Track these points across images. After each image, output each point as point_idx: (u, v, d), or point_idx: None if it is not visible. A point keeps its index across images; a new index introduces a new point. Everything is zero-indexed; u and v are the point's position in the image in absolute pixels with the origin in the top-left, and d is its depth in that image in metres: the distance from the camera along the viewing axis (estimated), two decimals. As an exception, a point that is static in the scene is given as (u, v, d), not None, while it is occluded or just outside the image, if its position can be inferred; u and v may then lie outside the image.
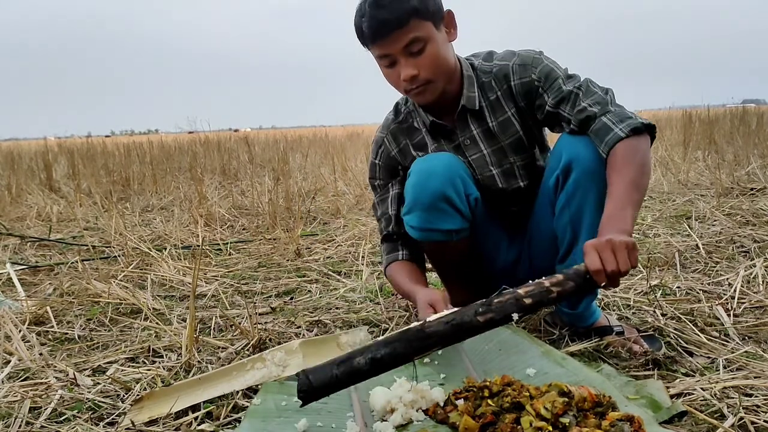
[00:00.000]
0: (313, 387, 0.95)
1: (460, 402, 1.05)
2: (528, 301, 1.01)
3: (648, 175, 1.26)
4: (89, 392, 1.34)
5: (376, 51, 1.38)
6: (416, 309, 1.41)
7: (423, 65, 1.36)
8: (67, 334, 1.78)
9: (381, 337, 1.04)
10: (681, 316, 1.60)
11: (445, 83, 1.42)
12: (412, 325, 1.02)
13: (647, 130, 1.30)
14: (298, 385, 0.96)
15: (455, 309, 1.05)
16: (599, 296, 1.82)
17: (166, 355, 1.57)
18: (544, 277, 1.05)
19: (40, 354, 1.59)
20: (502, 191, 1.54)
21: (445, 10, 1.39)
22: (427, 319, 1.01)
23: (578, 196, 1.34)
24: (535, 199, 1.53)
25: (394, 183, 1.60)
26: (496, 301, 1.01)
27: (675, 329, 1.51)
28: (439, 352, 1.33)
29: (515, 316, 1.00)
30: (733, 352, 1.38)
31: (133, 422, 1.17)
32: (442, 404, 1.08)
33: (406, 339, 0.99)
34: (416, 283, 1.48)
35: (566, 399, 0.95)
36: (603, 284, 1.05)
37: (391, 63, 1.38)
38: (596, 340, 1.45)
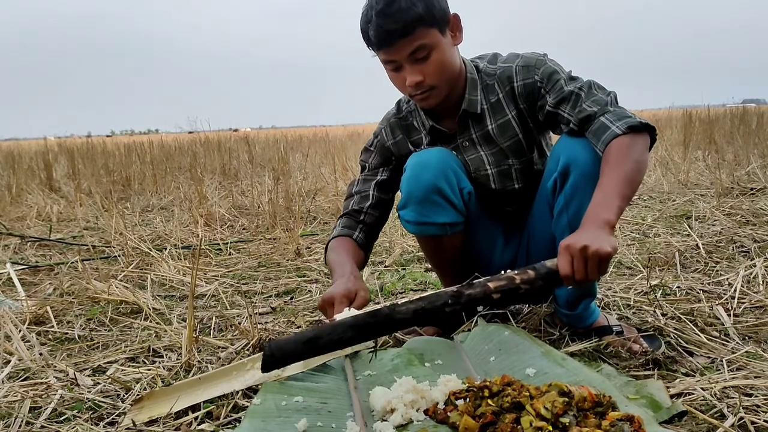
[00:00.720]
0: (275, 357, 1.11)
1: (460, 402, 1.05)
2: (496, 296, 1.12)
3: (642, 173, 1.25)
4: (89, 392, 1.34)
5: (382, 56, 1.39)
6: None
7: (428, 72, 1.36)
8: (67, 334, 1.78)
9: (349, 317, 1.16)
10: (681, 316, 1.60)
11: (450, 88, 1.43)
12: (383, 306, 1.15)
13: (646, 129, 1.30)
14: (264, 352, 1.11)
15: (352, 312, 1.22)
16: (599, 296, 1.82)
17: (166, 355, 1.57)
18: (516, 272, 1.14)
19: (40, 354, 1.59)
20: (495, 191, 1.54)
21: (451, 13, 1.39)
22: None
23: (576, 198, 1.34)
24: (531, 200, 1.53)
25: (384, 169, 1.61)
26: (466, 293, 1.11)
27: (675, 329, 1.51)
28: (440, 352, 1.34)
29: (480, 308, 1.11)
30: (733, 352, 1.38)
31: (134, 422, 1.17)
32: (442, 404, 1.08)
33: (370, 320, 1.12)
34: (347, 269, 1.44)
35: (566, 399, 0.95)
36: (569, 286, 1.13)
37: (397, 68, 1.39)
38: (596, 340, 1.45)
